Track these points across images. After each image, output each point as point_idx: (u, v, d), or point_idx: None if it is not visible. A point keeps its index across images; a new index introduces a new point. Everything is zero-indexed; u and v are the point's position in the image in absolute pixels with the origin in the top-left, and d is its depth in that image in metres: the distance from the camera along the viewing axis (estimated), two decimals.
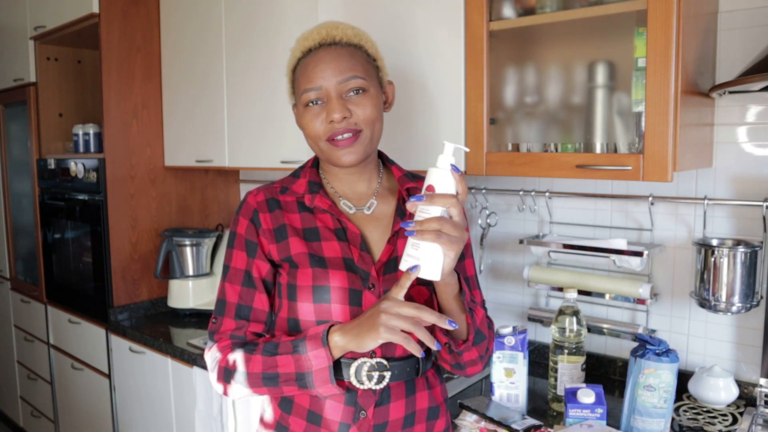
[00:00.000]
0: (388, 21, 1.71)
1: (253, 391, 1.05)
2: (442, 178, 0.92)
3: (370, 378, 1.03)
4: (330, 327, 1.00)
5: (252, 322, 1.09)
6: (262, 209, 1.10)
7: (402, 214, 1.11)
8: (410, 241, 0.92)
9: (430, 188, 0.92)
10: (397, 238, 1.09)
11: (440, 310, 1.04)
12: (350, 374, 1.03)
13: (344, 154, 1.05)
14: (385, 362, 1.04)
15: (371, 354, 1.04)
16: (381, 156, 1.20)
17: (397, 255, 1.08)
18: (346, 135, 1.04)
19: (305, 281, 1.05)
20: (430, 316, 0.92)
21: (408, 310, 0.92)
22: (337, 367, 1.03)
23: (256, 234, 1.09)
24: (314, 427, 1.06)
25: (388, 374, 1.04)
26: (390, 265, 1.08)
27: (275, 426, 1.11)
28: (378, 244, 1.10)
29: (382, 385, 1.04)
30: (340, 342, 0.98)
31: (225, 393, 1.08)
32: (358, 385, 1.03)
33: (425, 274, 0.92)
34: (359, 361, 1.03)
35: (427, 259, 0.91)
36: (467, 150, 0.99)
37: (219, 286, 1.12)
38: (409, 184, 1.13)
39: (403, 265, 0.93)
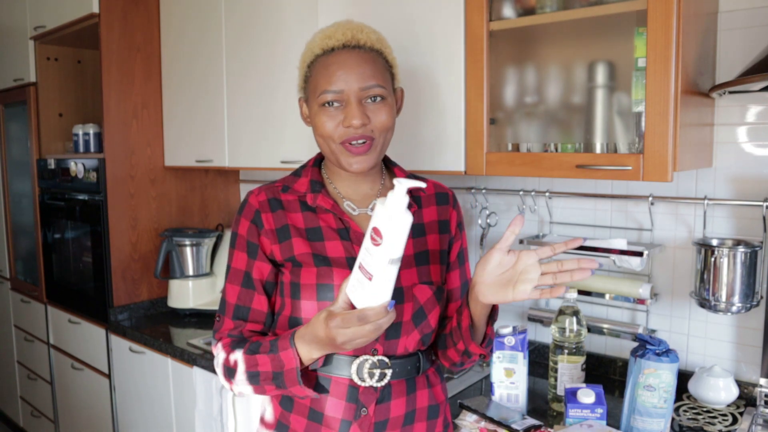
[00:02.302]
0: (388, 21, 1.71)
1: (253, 390, 1.05)
2: (390, 221, 0.84)
3: (371, 375, 1.04)
4: (296, 330, 1.00)
5: (249, 322, 1.10)
6: (264, 209, 1.10)
7: None
8: (357, 274, 0.88)
9: (376, 231, 0.85)
10: None
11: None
12: (352, 372, 1.04)
13: (356, 162, 1.06)
14: (386, 360, 1.05)
15: (373, 351, 1.05)
16: (383, 157, 1.21)
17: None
18: (360, 141, 1.04)
19: (309, 279, 1.05)
20: (374, 316, 0.88)
21: (360, 330, 0.88)
22: (339, 363, 1.04)
23: (258, 235, 1.10)
24: (315, 425, 1.06)
25: (389, 372, 1.05)
26: None
27: (276, 424, 1.12)
28: None
29: (383, 383, 1.05)
30: (304, 350, 0.97)
31: (231, 389, 1.10)
32: (359, 383, 1.04)
33: (377, 302, 0.88)
34: (361, 358, 1.04)
35: (376, 290, 0.87)
36: (423, 185, 0.89)
37: (224, 284, 1.14)
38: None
39: (350, 291, 0.89)
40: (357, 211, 1.13)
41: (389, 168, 1.21)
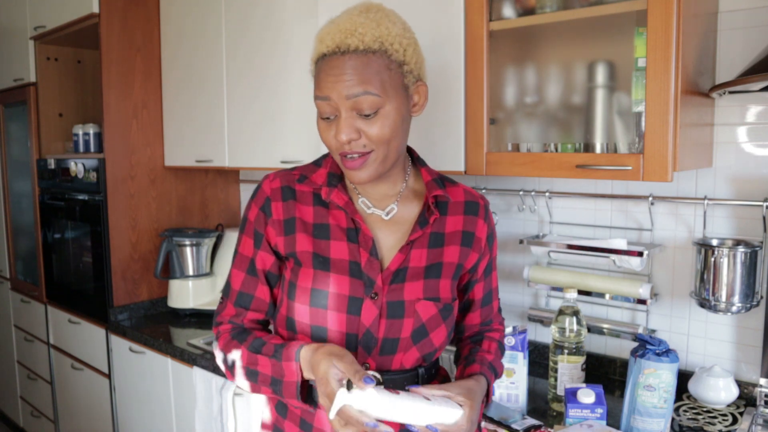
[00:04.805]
0: None
1: (250, 387, 1.04)
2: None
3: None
4: (303, 345, 0.98)
5: (251, 311, 1.08)
6: (275, 197, 1.05)
7: (424, 223, 1.05)
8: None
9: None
10: (411, 248, 1.04)
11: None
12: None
13: (354, 174, 0.99)
14: (377, 375, 0.94)
15: (365, 366, 1.01)
16: (411, 154, 1.13)
17: (408, 266, 1.04)
18: (354, 155, 0.97)
19: (305, 282, 1.02)
20: (356, 422, 0.86)
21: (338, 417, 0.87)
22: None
23: (265, 224, 1.06)
24: None
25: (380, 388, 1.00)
26: (398, 275, 1.02)
27: (272, 429, 1.12)
28: (391, 251, 1.04)
29: None
30: (305, 369, 0.96)
31: (230, 379, 1.08)
32: None
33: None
34: None
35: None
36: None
37: (231, 267, 1.11)
38: (436, 191, 1.06)
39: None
40: (371, 209, 1.06)
41: (416, 167, 1.12)
